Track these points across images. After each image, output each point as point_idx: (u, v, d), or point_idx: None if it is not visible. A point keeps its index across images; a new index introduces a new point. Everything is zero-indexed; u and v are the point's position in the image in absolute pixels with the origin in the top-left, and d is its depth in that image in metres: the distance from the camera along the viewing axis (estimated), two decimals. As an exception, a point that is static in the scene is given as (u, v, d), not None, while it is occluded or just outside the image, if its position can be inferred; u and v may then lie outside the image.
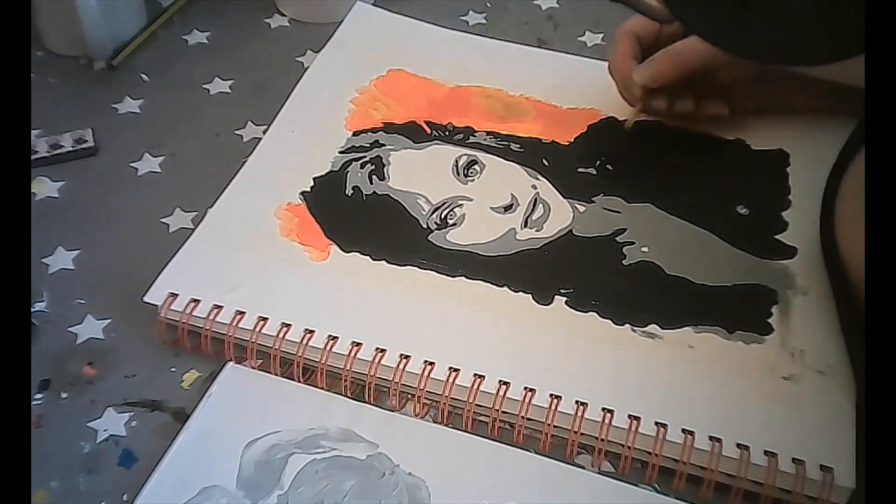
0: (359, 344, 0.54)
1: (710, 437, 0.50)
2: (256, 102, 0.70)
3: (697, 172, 0.64)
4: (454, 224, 0.61)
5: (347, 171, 0.64)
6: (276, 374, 0.54)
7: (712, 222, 0.61)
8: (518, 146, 0.66)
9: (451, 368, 0.53)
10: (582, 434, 0.51)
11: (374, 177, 0.64)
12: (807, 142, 0.65)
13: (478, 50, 0.75)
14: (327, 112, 0.69)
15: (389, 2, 0.78)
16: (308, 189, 0.63)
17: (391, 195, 0.63)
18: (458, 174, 0.64)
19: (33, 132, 0.68)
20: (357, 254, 0.59)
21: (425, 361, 0.53)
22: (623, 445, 0.50)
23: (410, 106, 0.69)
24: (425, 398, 0.53)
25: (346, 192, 0.63)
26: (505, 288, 0.58)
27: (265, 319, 0.55)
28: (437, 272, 0.58)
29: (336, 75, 0.72)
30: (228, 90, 0.72)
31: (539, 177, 0.64)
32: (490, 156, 0.65)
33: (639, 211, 0.62)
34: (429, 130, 0.67)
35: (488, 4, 0.80)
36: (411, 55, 0.74)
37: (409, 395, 0.54)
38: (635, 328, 0.55)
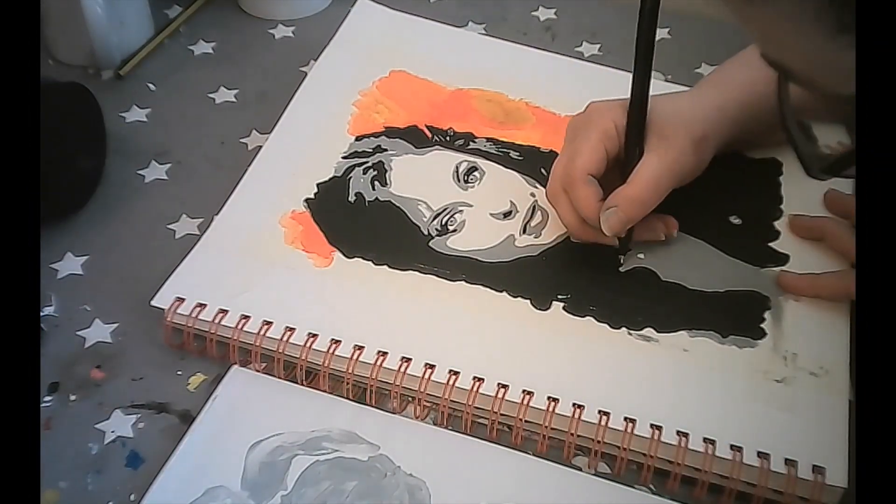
0: (361, 347, 0.55)
1: (705, 439, 0.51)
2: (260, 111, 0.71)
3: (692, 182, 0.64)
4: (454, 230, 0.62)
5: (350, 177, 0.65)
6: (280, 378, 0.55)
7: (706, 233, 0.62)
8: (517, 154, 0.67)
9: (451, 371, 0.54)
10: (579, 436, 0.52)
11: (376, 182, 0.64)
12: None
13: (480, 50, 0.75)
14: (330, 115, 0.69)
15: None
16: (312, 196, 0.63)
17: (393, 202, 0.63)
18: (459, 180, 0.65)
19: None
20: (359, 259, 0.60)
21: (426, 364, 0.54)
22: (619, 447, 0.51)
23: (412, 109, 0.70)
24: (426, 401, 0.54)
25: (349, 198, 0.64)
26: (504, 293, 0.58)
27: (269, 324, 0.56)
28: (438, 277, 0.59)
29: (339, 75, 0.72)
30: (233, 99, 0.73)
31: (537, 185, 0.64)
32: (490, 163, 0.66)
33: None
34: (430, 135, 0.68)
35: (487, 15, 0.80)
36: (413, 55, 0.73)
37: (410, 398, 0.54)
38: (631, 331, 0.56)
